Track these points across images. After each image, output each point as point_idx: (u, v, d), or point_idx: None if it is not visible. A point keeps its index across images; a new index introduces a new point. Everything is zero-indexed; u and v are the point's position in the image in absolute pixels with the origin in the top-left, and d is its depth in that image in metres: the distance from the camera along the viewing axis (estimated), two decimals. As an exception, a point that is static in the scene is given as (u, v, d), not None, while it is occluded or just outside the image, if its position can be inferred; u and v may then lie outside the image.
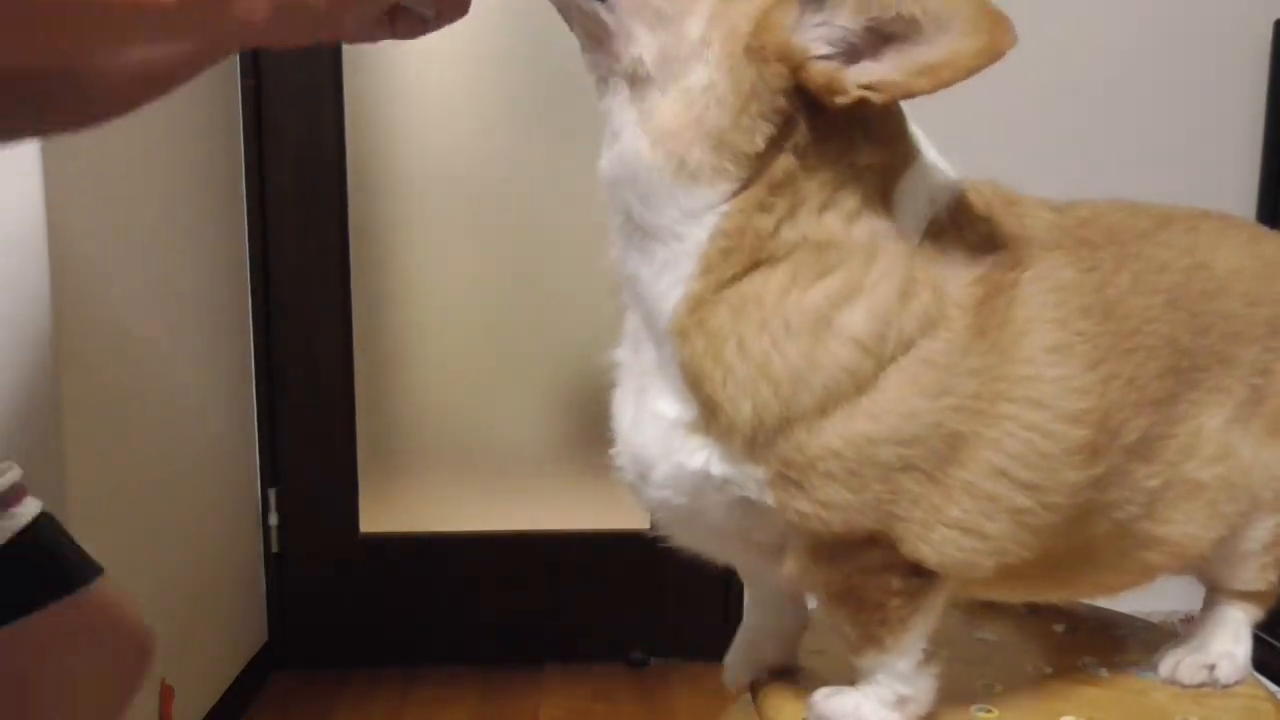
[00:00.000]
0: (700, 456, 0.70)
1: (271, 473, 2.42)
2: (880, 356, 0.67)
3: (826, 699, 0.77)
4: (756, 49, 0.65)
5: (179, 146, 1.96)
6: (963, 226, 0.72)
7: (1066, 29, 2.30)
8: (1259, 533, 0.83)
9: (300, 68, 2.26)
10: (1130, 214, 0.81)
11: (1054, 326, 0.71)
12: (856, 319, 0.67)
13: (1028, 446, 0.69)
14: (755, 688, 0.87)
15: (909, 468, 0.68)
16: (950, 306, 0.69)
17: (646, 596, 2.43)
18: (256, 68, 2.21)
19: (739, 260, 0.67)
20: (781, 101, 0.66)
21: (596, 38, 0.67)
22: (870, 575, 0.72)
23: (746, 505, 0.71)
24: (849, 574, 0.72)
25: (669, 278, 0.69)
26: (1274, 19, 2.29)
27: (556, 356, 2.42)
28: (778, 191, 0.67)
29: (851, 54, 0.65)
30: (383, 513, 2.48)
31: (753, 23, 0.65)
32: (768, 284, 0.67)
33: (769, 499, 0.70)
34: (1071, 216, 0.78)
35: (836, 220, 0.68)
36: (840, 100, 0.64)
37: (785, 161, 0.67)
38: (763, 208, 0.67)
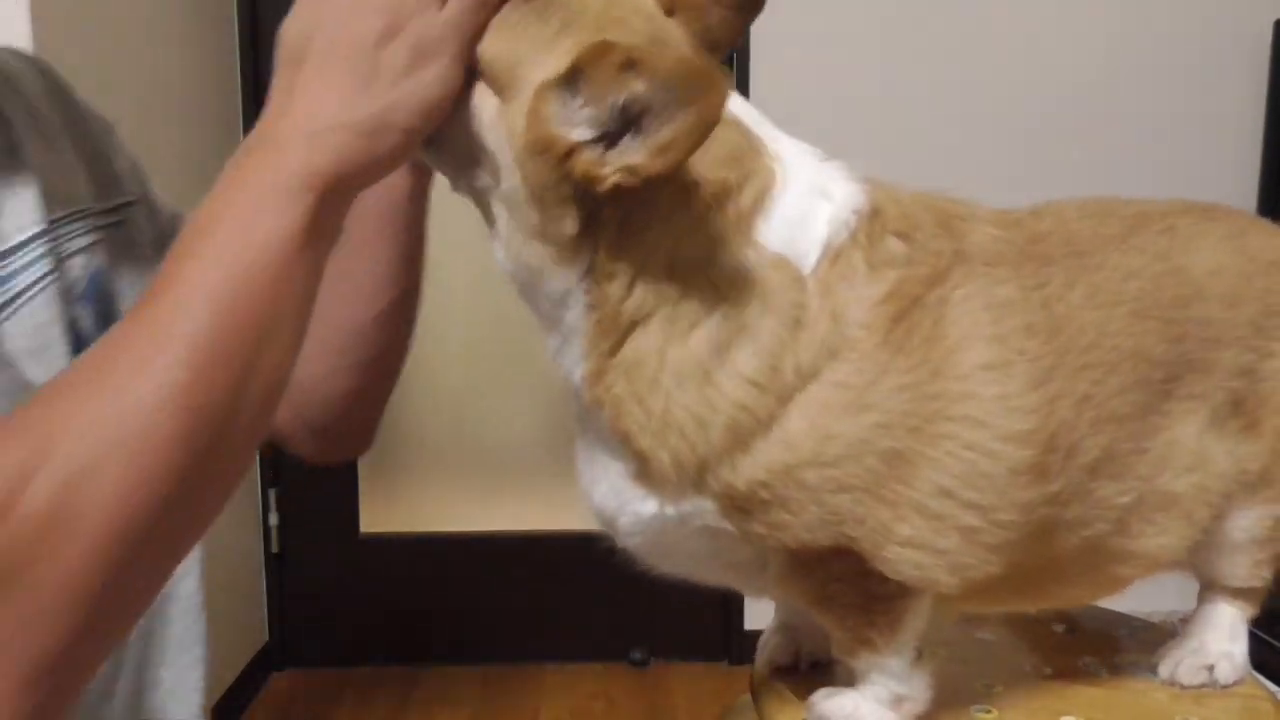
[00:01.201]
0: (652, 502, 0.72)
1: (271, 473, 2.42)
2: (779, 390, 0.67)
3: (825, 699, 0.77)
4: (531, 143, 0.65)
5: (178, 137, 1.96)
6: (868, 245, 0.70)
7: (1067, 29, 2.31)
8: (1245, 523, 0.82)
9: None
10: (1101, 219, 0.79)
11: (990, 344, 0.70)
12: (743, 359, 0.67)
13: (970, 466, 0.69)
14: (755, 688, 0.87)
15: (843, 489, 0.68)
16: (854, 329, 0.68)
17: (646, 596, 2.43)
18: (255, 65, 2.21)
19: (612, 329, 0.68)
20: (568, 189, 0.66)
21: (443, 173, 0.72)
22: (847, 582, 0.73)
23: (711, 531, 0.72)
24: (824, 582, 0.73)
25: (570, 357, 0.71)
26: (1274, 19, 2.29)
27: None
28: (615, 257, 0.68)
29: (613, 137, 0.64)
30: (383, 513, 2.48)
31: (525, 119, 0.66)
32: (646, 344, 0.68)
33: (726, 524, 0.70)
34: (1025, 231, 0.76)
35: (689, 269, 0.68)
36: (597, 189, 0.64)
37: (609, 232, 0.68)
38: (609, 276, 0.68)
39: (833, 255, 0.69)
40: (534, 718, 2.25)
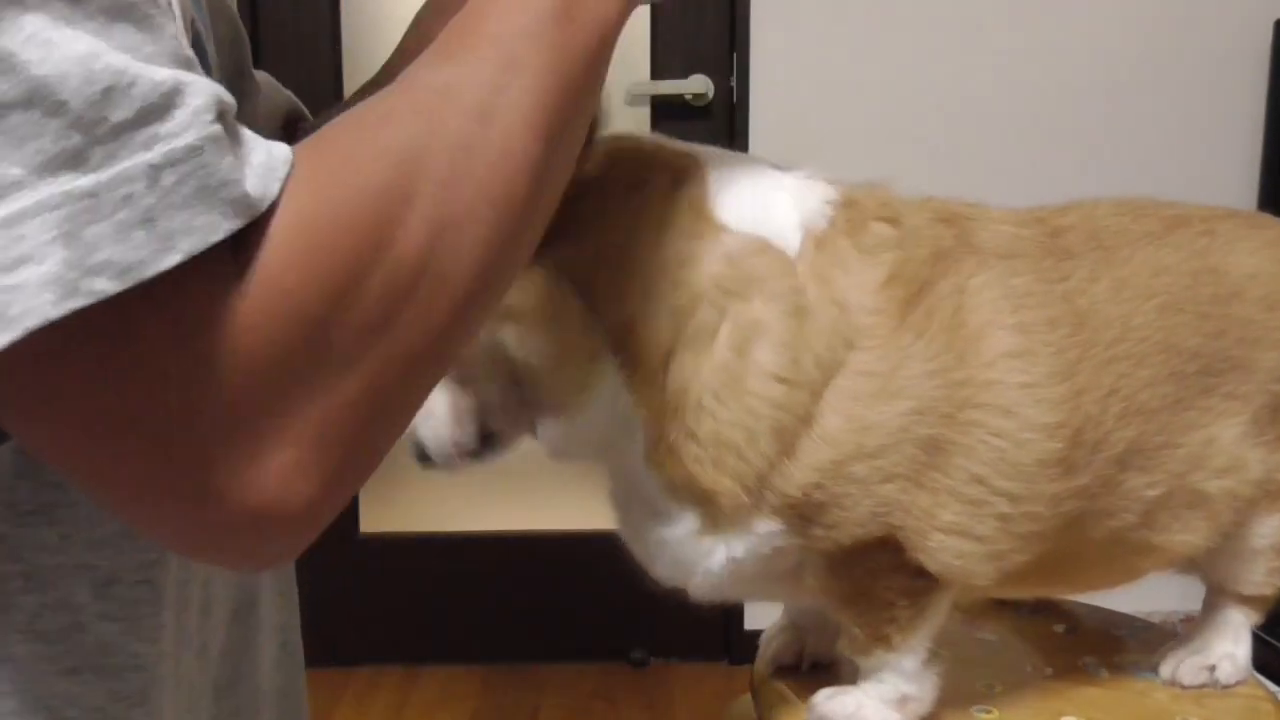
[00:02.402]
0: (719, 554, 0.71)
1: (271, 473, 2.42)
2: (808, 383, 0.66)
3: (828, 699, 0.77)
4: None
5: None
6: (851, 232, 0.69)
7: (1067, 29, 2.31)
8: (1265, 530, 0.82)
9: (296, 30, 2.26)
10: (1135, 217, 0.79)
11: (1014, 333, 0.70)
12: (764, 355, 0.66)
13: (1000, 454, 0.69)
14: (756, 687, 0.87)
15: (890, 478, 0.68)
16: (864, 315, 0.67)
17: (646, 596, 2.42)
18: (255, 28, 2.20)
19: (651, 379, 0.68)
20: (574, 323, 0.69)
21: None
22: (880, 577, 0.72)
23: (775, 552, 0.72)
24: (859, 577, 0.73)
25: (629, 445, 0.70)
26: (1274, 19, 2.29)
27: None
28: (604, 312, 0.67)
29: None
30: (383, 513, 2.48)
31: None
32: (681, 372, 0.67)
33: (783, 542, 0.70)
34: (1046, 226, 0.76)
35: (678, 275, 0.67)
36: None
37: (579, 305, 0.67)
38: (625, 331, 0.68)
39: (816, 242, 0.68)
40: (534, 718, 2.25)
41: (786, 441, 0.67)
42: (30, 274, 0.33)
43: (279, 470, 0.38)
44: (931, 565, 0.70)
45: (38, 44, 0.33)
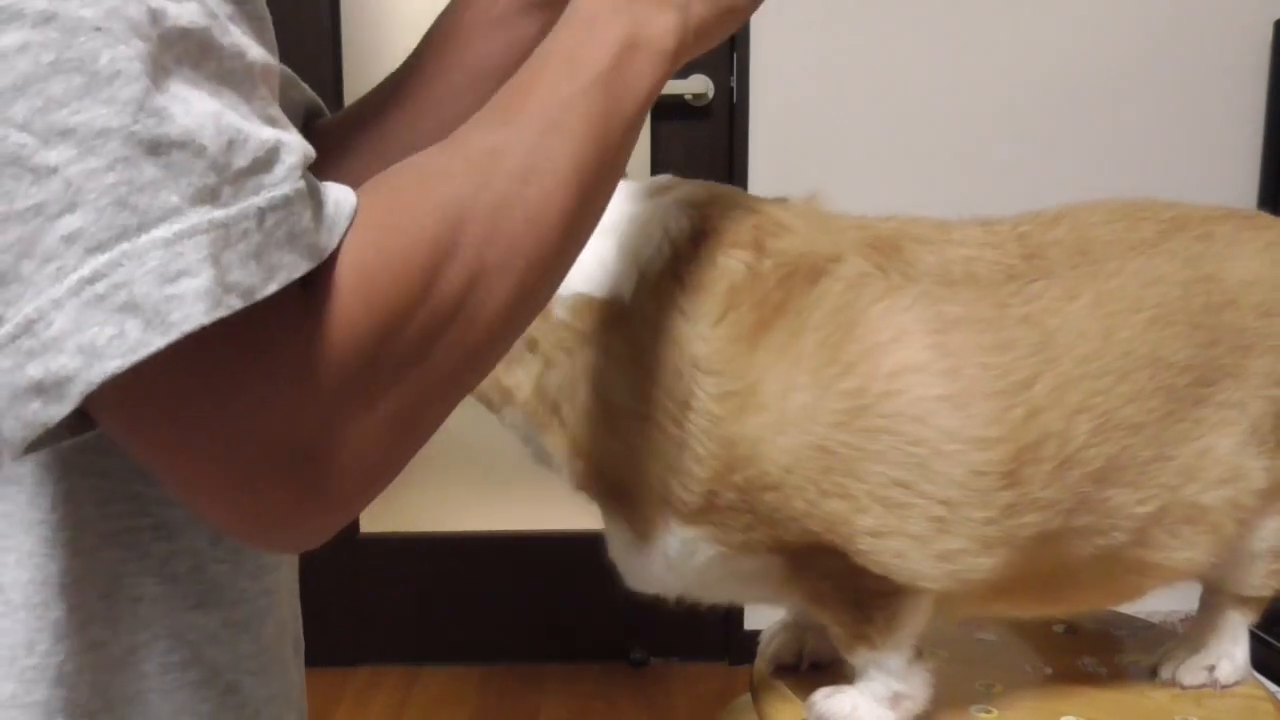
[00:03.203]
0: (658, 560, 0.79)
1: (271, 473, 2.42)
2: (666, 411, 0.72)
3: (825, 698, 0.77)
4: None
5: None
6: (692, 266, 0.73)
7: (1066, 29, 2.31)
8: (1265, 533, 0.82)
9: (296, 30, 2.26)
10: (1129, 224, 0.79)
11: (927, 350, 0.70)
12: (620, 396, 0.74)
13: (921, 462, 0.70)
14: (756, 686, 0.87)
15: (773, 486, 0.71)
16: (701, 343, 0.72)
17: (646, 597, 2.42)
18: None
19: (545, 409, 0.79)
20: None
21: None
22: (840, 580, 0.73)
23: (717, 556, 0.77)
24: (816, 581, 0.74)
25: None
26: (1274, 19, 2.29)
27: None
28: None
29: None
30: (383, 513, 2.48)
31: None
32: (570, 415, 0.78)
33: (710, 547, 0.76)
34: (1027, 244, 0.76)
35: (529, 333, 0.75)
36: None
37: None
38: (528, 374, 0.80)
39: (651, 285, 0.73)
40: (534, 718, 2.25)
41: (666, 457, 0.72)
42: (188, 286, 0.39)
43: (322, 472, 0.45)
44: (873, 568, 0.71)
45: (180, 101, 0.40)
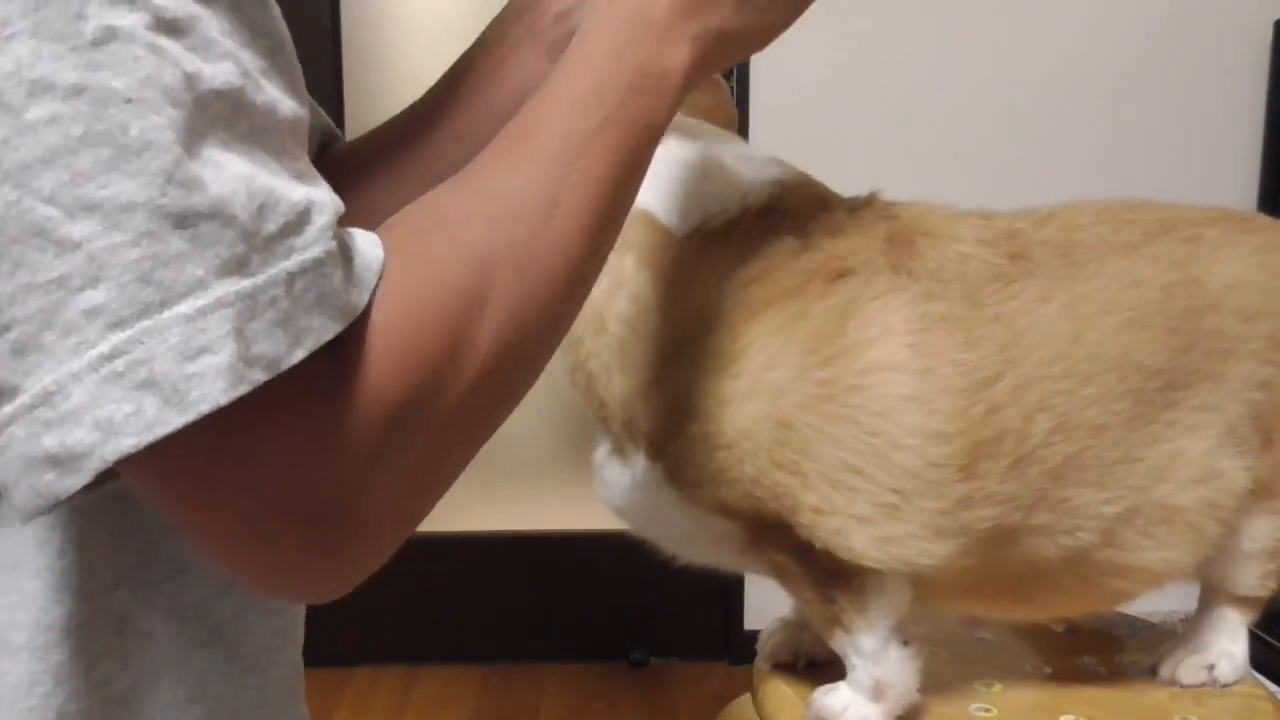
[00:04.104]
0: (624, 479, 0.80)
1: (272, 472, 2.42)
2: (657, 339, 0.75)
3: (822, 696, 0.78)
4: None
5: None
6: (748, 228, 0.76)
7: (1067, 28, 2.31)
8: (1255, 533, 0.82)
9: (296, 30, 2.26)
10: (1116, 226, 0.79)
11: (902, 349, 0.72)
12: (619, 305, 0.77)
13: (879, 454, 0.72)
14: (756, 684, 0.87)
15: (720, 447, 0.73)
16: (722, 298, 0.74)
17: (646, 596, 2.43)
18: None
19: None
20: None
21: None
22: (793, 555, 0.75)
23: (674, 500, 0.78)
24: (774, 551, 0.77)
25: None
26: (1274, 19, 2.29)
27: (556, 356, 2.42)
28: None
29: None
30: (383, 513, 2.48)
31: None
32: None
33: (665, 487, 0.78)
34: (1015, 243, 0.77)
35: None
36: None
37: None
38: None
39: (709, 229, 0.76)
40: (534, 718, 2.25)
41: (637, 381, 0.75)
42: (208, 363, 0.39)
43: (347, 528, 0.44)
44: (816, 543, 0.72)
45: (212, 166, 0.40)
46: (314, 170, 0.46)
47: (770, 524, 0.74)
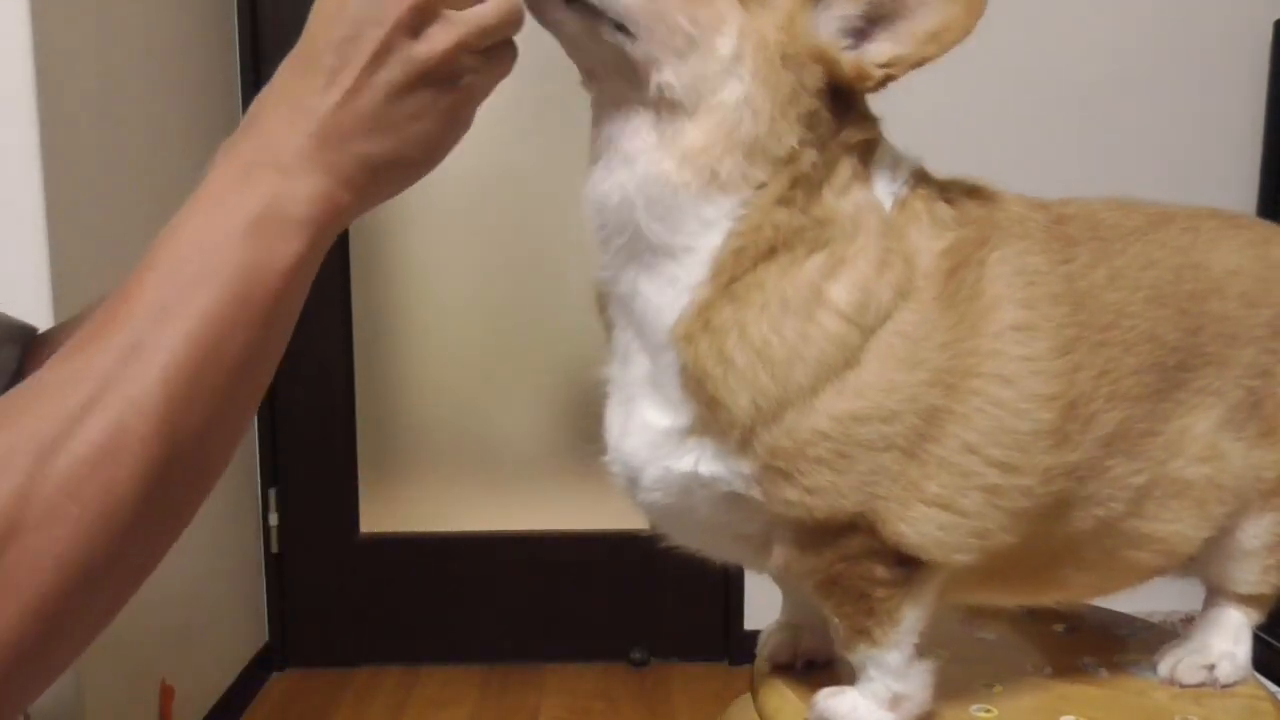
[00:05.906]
0: (689, 459, 0.72)
1: (271, 473, 2.42)
2: (863, 327, 0.69)
3: (827, 699, 0.77)
4: (793, 55, 0.67)
5: (177, 146, 1.96)
6: (928, 200, 0.74)
7: (1066, 29, 2.31)
8: (1258, 530, 0.82)
9: (296, 31, 2.25)
10: (1124, 213, 0.81)
11: (1020, 306, 0.72)
12: (841, 291, 0.69)
13: (996, 423, 0.70)
14: (756, 685, 0.87)
15: (890, 446, 0.69)
16: (919, 278, 0.70)
17: (646, 596, 2.43)
18: (255, 64, 2.21)
19: (752, 256, 0.70)
20: (815, 102, 0.68)
21: (615, 69, 0.68)
22: (854, 562, 0.73)
23: (733, 500, 0.73)
24: (832, 561, 0.73)
25: (676, 289, 0.70)
26: (1274, 19, 2.29)
27: (556, 356, 2.42)
28: (798, 185, 0.69)
29: (858, 39, 0.69)
30: (383, 513, 2.48)
31: (782, 30, 0.67)
32: (769, 269, 0.69)
33: (756, 492, 0.71)
34: (1051, 213, 0.78)
35: (831, 195, 0.71)
36: (868, 85, 0.69)
37: (809, 155, 0.69)
38: (782, 201, 0.70)
39: (900, 204, 0.73)
40: (534, 718, 2.25)
41: (822, 376, 0.68)
42: None
43: None
44: (912, 537, 0.70)
45: None
46: None
47: (841, 530, 0.71)
